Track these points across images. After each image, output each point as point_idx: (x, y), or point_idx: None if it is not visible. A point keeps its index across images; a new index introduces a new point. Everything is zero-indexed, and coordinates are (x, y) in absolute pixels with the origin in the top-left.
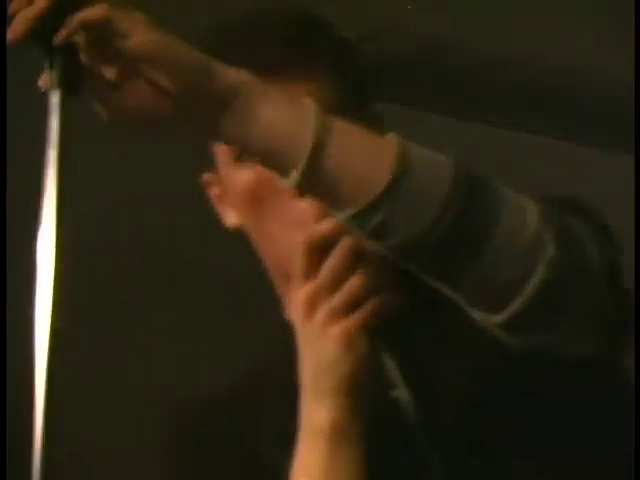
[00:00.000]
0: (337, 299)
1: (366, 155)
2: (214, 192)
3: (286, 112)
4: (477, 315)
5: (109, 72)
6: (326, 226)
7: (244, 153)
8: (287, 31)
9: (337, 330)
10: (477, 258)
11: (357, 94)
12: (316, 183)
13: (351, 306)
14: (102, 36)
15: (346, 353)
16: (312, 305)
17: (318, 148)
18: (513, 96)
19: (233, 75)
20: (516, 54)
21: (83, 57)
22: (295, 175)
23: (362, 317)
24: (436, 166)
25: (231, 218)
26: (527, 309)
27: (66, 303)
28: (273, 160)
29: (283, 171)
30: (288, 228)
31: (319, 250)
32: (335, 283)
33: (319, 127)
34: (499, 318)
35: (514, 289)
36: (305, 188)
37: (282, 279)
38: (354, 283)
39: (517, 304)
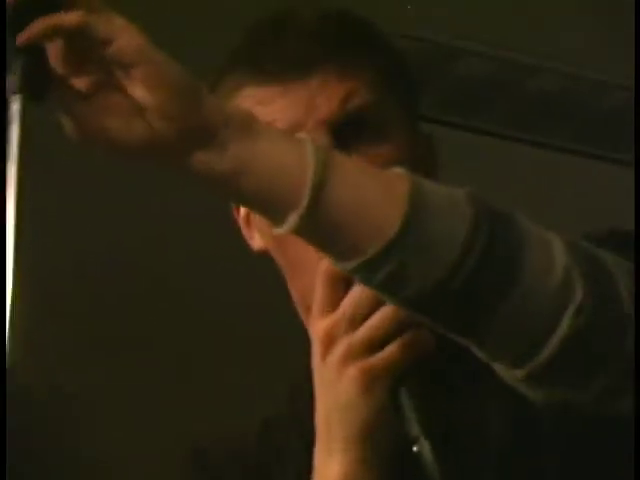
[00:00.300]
0: (357, 336)
1: (374, 194)
2: (241, 213)
3: (281, 148)
4: (498, 369)
5: (83, 83)
6: None
7: (228, 195)
8: (318, 25)
9: (353, 371)
10: (502, 306)
11: (401, 99)
12: (317, 228)
13: (373, 345)
14: (79, 43)
15: (361, 398)
16: (329, 342)
17: (319, 188)
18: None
19: (222, 104)
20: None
21: (55, 63)
22: (293, 219)
23: (384, 359)
24: (453, 202)
25: (257, 241)
26: (553, 361)
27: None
28: (265, 203)
29: (277, 216)
30: (312, 255)
31: (341, 280)
32: (357, 318)
33: (319, 164)
34: (522, 372)
35: (540, 338)
36: (304, 234)
37: (307, 312)
38: (378, 319)
39: (543, 356)
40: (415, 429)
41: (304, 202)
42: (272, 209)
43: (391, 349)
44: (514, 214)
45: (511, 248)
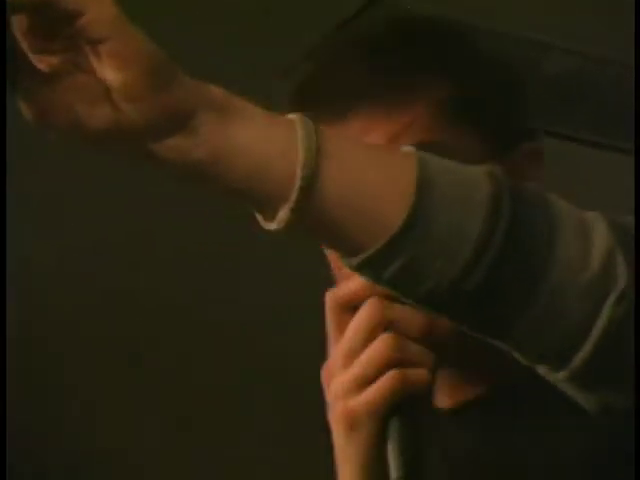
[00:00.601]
0: (347, 373)
1: (375, 182)
2: None
3: (267, 134)
4: (543, 372)
5: (47, 63)
6: (350, 285)
7: (206, 186)
8: (368, 52)
9: (339, 410)
10: (531, 302)
11: (474, 122)
12: (313, 223)
13: (361, 384)
14: (45, 17)
15: (348, 440)
16: (328, 377)
17: (310, 179)
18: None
19: (198, 85)
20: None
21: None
22: (284, 214)
23: (363, 401)
24: (469, 185)
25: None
26: (595, 357)
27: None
28: (250, 195)
29: (266, 210)
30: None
31: (347, 309)
32: (353, 353)
33: (310, 152)
34: (565, 373)
35: (578, 334)
36: (300, 230)
37: None
38: (367, 355)
39: (583, 353)
40: (395, 472)
41: (294, 195)
42: (260, 202)
43: (371, 390)
44: (545, 194)
45: (538, 235)
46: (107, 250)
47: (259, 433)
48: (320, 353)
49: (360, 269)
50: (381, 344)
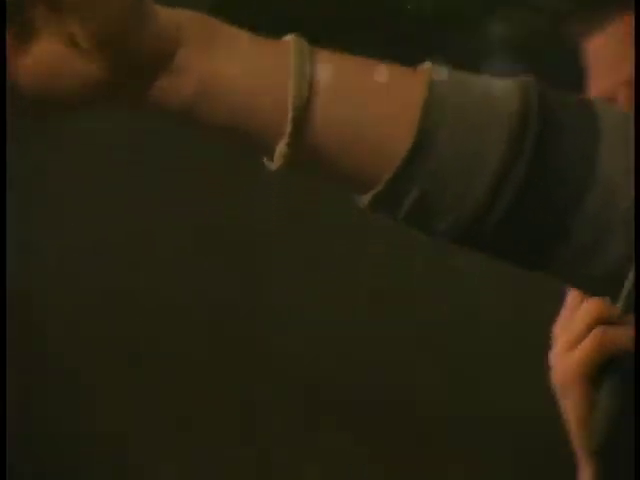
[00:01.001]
0: (565, 334)
1: (378, 106)
2: None
3: (256, 62)
4: None
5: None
6: None
7: (197, 127)
8: None
9: (559, 368)
10: (565, 231)
11: None
12: (312, 157)
13: (575, 340)
14: None
15: (566, 397)
16: (554, 340)
17: (303, 108)
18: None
19: (174, 14)
20: None
21: None
22: (281, 149)
23: (579, 354)
24: (491, 103)
25: None
26: None
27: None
28: (245, 132)
29: (264, 147)
30: None
31: None
32: (570, 313)
33: (301, 75)
34: (621, 305)
35: (622, 262)
36: (301, 168)
37: None
38: (580, 313)
39: (630, 281)
40: (593, 439)
41: (288, 127)
42: (255, 138)
43: (579, 348)
44: (590, 103)
45: (572, 157)
46: (107, 250)
47: (259, 433)
48: (320, 353)
49: (373, 208)
50: (590, 302)
